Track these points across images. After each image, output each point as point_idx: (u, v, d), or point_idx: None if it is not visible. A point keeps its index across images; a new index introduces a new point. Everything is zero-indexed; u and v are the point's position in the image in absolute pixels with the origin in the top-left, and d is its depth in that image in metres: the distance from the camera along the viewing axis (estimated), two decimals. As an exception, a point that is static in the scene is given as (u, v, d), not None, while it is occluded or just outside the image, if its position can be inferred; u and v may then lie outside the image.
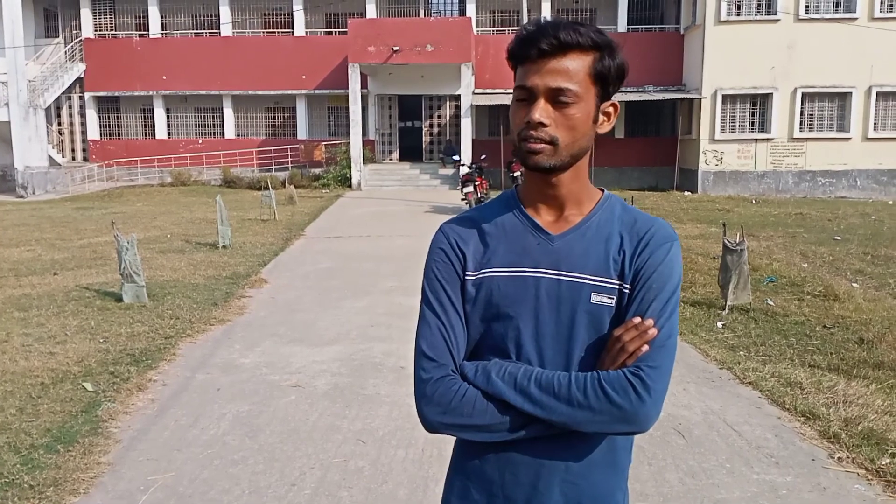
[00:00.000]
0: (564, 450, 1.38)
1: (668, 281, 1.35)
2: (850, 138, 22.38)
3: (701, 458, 3.87)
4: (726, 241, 7.18)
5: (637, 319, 1.33)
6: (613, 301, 1.35)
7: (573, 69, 1.32)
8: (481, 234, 1.44)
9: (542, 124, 1.32)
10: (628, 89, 24.27)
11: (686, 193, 22.49)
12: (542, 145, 1.33)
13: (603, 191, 1.48)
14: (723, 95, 22.42)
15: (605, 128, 1.40)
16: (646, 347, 1.31)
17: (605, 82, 1.35)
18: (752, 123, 22.85)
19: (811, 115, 22.58)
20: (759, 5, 22.32)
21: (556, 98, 1.32)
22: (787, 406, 4.57)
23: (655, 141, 25.61)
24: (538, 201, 1.43)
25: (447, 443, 4.20)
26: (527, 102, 1.34)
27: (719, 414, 4.50)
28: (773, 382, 4.99)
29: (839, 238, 12.49)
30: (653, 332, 1.32)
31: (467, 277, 1.42)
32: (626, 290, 1.35)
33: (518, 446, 1.39)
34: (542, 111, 1.32)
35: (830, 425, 4.19)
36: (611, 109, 1.40)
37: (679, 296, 1.39)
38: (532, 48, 1.32)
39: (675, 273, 1.37)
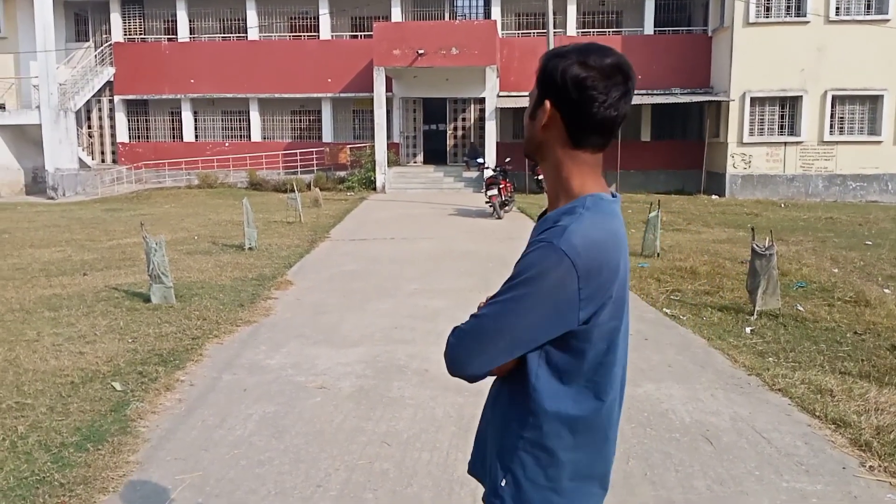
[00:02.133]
0: (494, 394, 1.68)
1: (515, 274, 1.49)
2: (881, 142, 22.03)
3: (729, 465, 3.82)
4: (755, 246, 7.09)
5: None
6: None
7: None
8: None
9: None
10: (654, 92, 24.14)
11: (713, 197, 22.27)
12: None
13: (588, 195, 1.56)
14: (751, 98, 22.18)
15: (541, 124, 1.57)
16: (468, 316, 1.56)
17: (539, 85, 1.58)
18: (782, 126, 22.57)
19: (841, 117, 22.26)
20: (788, 7, 22.06)
21: None
22: (817, 413, 4.50)
23: (682, 144, 25.40)
24: None
25: (471, 447, 4.17)
26: None
27: (748, 421, 4.44)
28: (802, 389, 4.92)
29: (870, 243, 12.29)
30: (482, 302, 1.58)
31: None
32: None
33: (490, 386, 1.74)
34: None
35: (862, 433, 4.12)
36: (544, 109, 1.56)
37: (522, 291, 1.45)
38: None
39: (525, 270, 1.47)
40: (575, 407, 1.53)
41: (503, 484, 1.58)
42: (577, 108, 1.51)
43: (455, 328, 1.55)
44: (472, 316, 1.54)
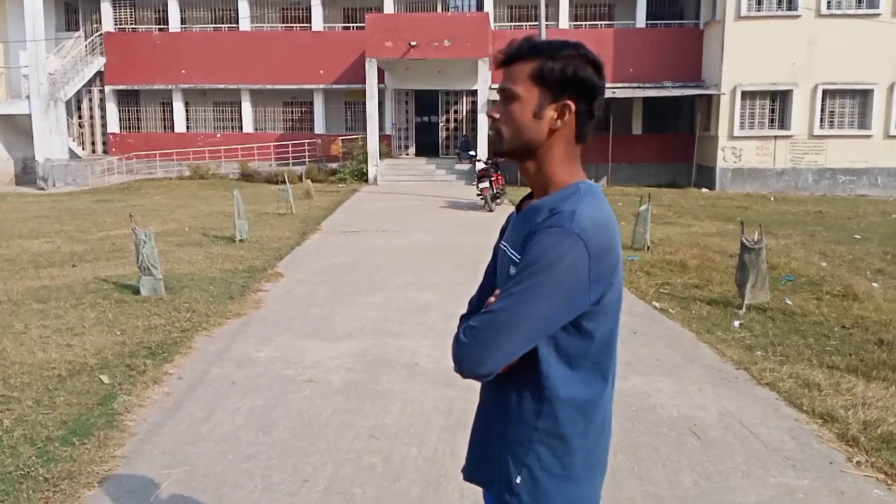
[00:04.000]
0: (494, 393, 1.65)
1: (529, 262, 1.47)
2: (871, 136, 22.12)
3: (716, 460, 3.83)
4: (744, 240, 7.11)
5: (498, 291, 1.55)
6: None
7: (515, 73, 1.59)
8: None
9: (493, 118, 1.64)
10: (646, 85, 24.14)
11: (704, 190, 22.32)
12: (493, 133, 1.65)
13: (580, 181, 1.60)
14: (742, 92, 22.21)
15: (557, 125, 1.57)
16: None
17: (549, 83, 1.55)
18: (772, 120, 22.63)
19: (832, 112, 22.33)
20: (779, 1, 22.07)
21: (504, 98, 1.62)
22: (804, 408, 4.51)
23: (673, 137, 25.41)
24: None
25: (460, 442, 4.20)
26: None
27: (735, 415, 4.45)
28: (790, 383, 4.93)
29: (859, 237, 12.35)
30: (491, 299, 1.54)
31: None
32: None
33: (483, 386, 1.72)
34: (494, 107, 1.65)
35: (849, 428, 4.13)
36: (564, 109, 1.56)
37: (539, 278, 1.45)
38: (496, 62, 1.65)
39: (541, 257, 1.46)
40: (585, 390, 1.57)
41: (518, 481, 1.57)
42: (591, 103, 1.57)
43: (465, 327, 1.52)
44: (483, 312, 1.52)
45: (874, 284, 8.32)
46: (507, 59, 1.60)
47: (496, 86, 24.35)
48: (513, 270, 1.55)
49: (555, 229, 1.46)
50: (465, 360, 1.51)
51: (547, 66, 1.54)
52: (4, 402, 4.54)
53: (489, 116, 1.67)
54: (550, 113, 1.56)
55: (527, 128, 1.58)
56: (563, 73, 1.54)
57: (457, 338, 1.53)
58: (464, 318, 1.74)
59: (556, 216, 1.49)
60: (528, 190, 1.71)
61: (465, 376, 1.53)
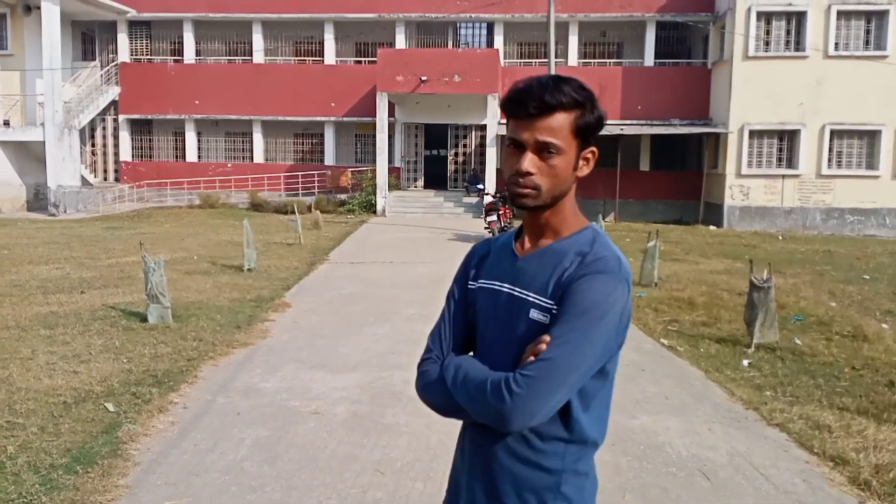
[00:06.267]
0: (496, 441, 1.57)
1: (585, 308, 1.45)
2: (879, 176, 22.13)
3: (726, 501, 3.78)
4: (753, 278, 7.08)
5: (546, 337, 1.47)
6: (548, 319, 1.51)
7: (557, 126, 1.51)
8: (487, 252, 1.73)
9: (529, 173, 1.53)
10: (654, 122, 24.28)
11: (711, 228, 22.30)
12: (528, 190, 1.55)
13: (589, 224, 1.62)
14: (750, 131, 22.31)
15: (583, 172, 1.59)
16: (532, 358, 1.46)
17: (585, 134, 1.54)
18: (780, 159, 22.68)
19: (839, 151, 22.38)
20: (787, 41, 22.27)
21: (542, 151, 1.52)
22: (815, 450, 4.45)
23: (681, 174, 25.49)
24: (526, 229, 1.67)
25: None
26: (518, 151, 1.55)
27: (745, 456, 4.40)
28: (800, 424, 4.88)
29: (868, 277, 12.28)
30: (542, 346, 1.46)
31: (469, 285, 1.71)
32: (555, 311, 1.50)
33: (469, 434, 1.65)
34: (529, 162, 1.53)
35: (861, 471, 4.08)
36: (590, 155, 1.59)
37: (598, 328, 1.45)
38: (522, 109, 1.52)
39: (597, 303, 1.46)
40: (603, 429, 1.62)
41: None
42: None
43: (516, 376, 1.44)
44: (538, 360, 1.44)
45: (884, 325, 8.26)
46: (549, 108, 1.50)
47: (505, 121, 24.72)
48: (535, 314, 1.52)
49: (606, 275, 1.48)
50: (517, 411, 1.43)
51: (587, 118, 1.53)
52: (9, 429, 4.53)
53: (525, 172, 1.54)
54: (581, 162, 1.58)
55: (567, 180, 1.56)
56: (598, 122, 1.55)
57: (503, 389, 1.44)
58: (427, 360, 1.68)
59: (602, 261, 1.50)
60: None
61: (514, 429, 1.47)
